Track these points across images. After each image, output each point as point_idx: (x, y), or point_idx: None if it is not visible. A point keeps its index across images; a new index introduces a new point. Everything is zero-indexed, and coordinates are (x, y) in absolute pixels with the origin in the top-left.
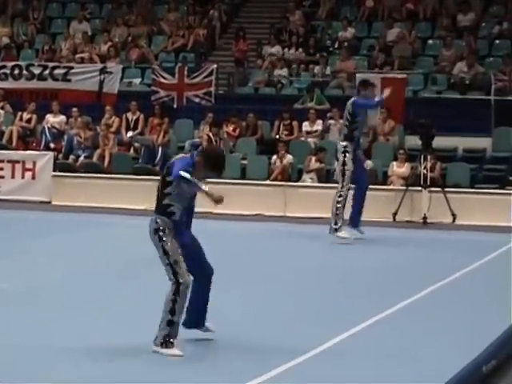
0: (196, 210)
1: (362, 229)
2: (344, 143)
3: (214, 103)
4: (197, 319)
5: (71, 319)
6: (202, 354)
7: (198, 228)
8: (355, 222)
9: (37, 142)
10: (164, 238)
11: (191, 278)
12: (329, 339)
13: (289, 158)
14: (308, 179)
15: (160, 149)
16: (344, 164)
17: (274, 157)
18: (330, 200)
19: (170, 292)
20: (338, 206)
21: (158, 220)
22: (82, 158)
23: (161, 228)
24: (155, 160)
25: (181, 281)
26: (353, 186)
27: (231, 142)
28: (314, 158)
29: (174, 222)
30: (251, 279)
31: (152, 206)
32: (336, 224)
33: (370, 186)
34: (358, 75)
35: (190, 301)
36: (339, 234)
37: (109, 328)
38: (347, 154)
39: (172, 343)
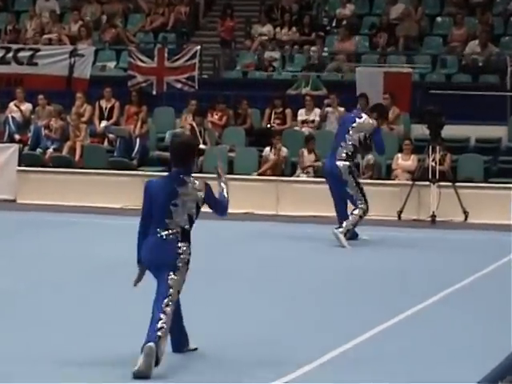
0: None
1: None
2: (347, 163)
3: (198, 89)
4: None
5: (38, 332)
6: (204, 364)
7: None
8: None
9: None
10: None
11: None
12: (329, 350)
13: (284, 150)
14: (302, 175)
15: (138, 140)
16: (358, 184)
17: (267, 149)
18: (327, 197)
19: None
20: (360, 220)
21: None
22: (50, 151)
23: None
24: (132, 153)
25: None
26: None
27: (217, 132)
28: (305, 151)
29: None
30: (241, 287)
31: (128, 203)
32: (348, 231)
33: (373, 181)
34: (358, 69)
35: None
36: (342, 238)
37: (81, 340)
38: (355, 174)
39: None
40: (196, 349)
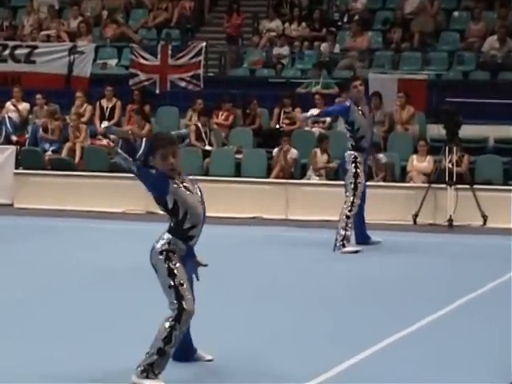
0: None
1: (373, 239)
2: (353, 153)
3: (203, 88)
4: (184, 350)
5: (35, 343)
6: (205, 375)
7: None
8: (365, 237)
9: None
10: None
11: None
12: (342, 361)
13: (293, 152)
14: (314, 176)
15: (144, 141)
16: (357, 176)
17: (275, 150)
18: (339, 200)
19: (168, 317)
20: (349, 221)
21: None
22: (49, 153)
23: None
24: (135, 155)
25: (185, 307)
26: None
27: (223, 133)
28: (318, 151)
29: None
30: (250, 295)
31: (130, 208)
32: (343, 240)
33: (387, 184)
34: (370, 75)
35: None
36: (346, 249)
37: (79, 352)
38: (359, 165)
39: (156, 375)
40: (211, 360)
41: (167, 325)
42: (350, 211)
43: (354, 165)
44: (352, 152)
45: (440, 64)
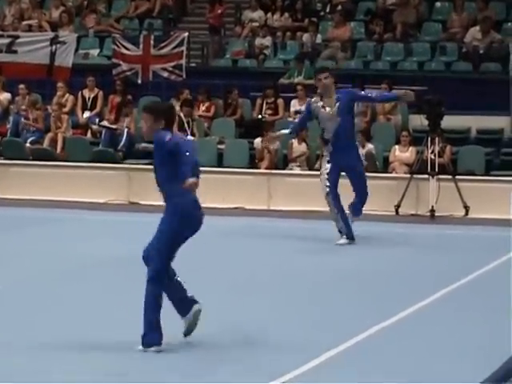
0: (164, 203)
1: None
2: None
3: (185, 78)
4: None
5: (17, 331)
6: (197, 363)
7: None
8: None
9: None
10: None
11: None
12: (323, 352)
13: (276, 143)
14: (295, 167)
15: (125, 132)
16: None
17: (257, 140)
18: (321, 190)
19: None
20: (329, 205)
21: None
22: (28, 144)
23: None
24: (118, 145)
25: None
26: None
27: (206, 124)
28: (295, 141)
29: None
30: (232, 287)
31: (113, 198)
32: (342, 230)
33: (369, 174)
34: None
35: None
36: (343, 240)
37: (63, 340)
38: (323, 157)
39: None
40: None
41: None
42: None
43: (321, 157)
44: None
45: (422, 55)
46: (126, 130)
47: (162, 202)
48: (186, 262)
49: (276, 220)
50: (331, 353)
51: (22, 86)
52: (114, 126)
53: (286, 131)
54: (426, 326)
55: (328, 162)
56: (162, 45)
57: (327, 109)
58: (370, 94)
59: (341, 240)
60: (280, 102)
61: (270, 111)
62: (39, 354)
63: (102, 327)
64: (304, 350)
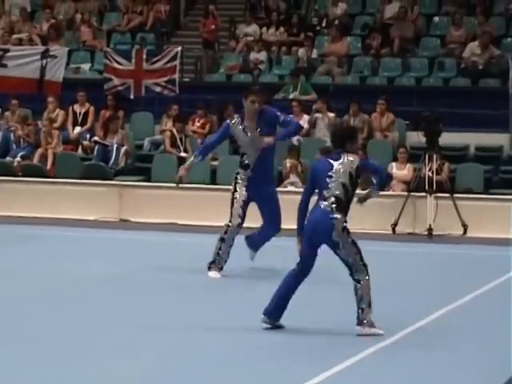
0: (158, 221)
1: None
2: (237, 170)
3: (179, 93)
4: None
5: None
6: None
7: (160, 241)
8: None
9: None
10: (349, 231)
11: None
12: (312, 377)
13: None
14: (289, 185)
15: (115, 148)
16: (233, 193)
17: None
18: None
19: (364, 278)
20: (221, 244)
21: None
22: (18, 159)
23: (345, 224)
24: (109, 161)
25: (367, 263)
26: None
27: (199, 140)
28: (288, 163)
29: None
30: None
31: (103, 215)
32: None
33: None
34: None
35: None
36: (210, 273)
37: (45, 362)
38: (238, 181)
39: (373, 324)
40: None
41: (367, 281)
42: (224, 233)
43: (234, 182)
44: (238, 169)
45: (420, 70)
46: (115, 146)
47: (153, 220)
48: (180, 278)
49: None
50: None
51: (14, 101)
52: (106, 143)
53: (197, 159)
54: (420, 349)
55: (238, 186)
56: (155, 59)
57: (252, 133)
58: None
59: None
60: None
61: None
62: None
63: (93, 348)
64: (300, 368)
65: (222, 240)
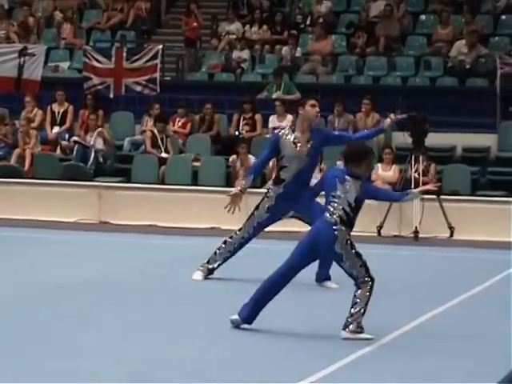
0: (138, 222)
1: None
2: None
3: (160, 92)
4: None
5: None
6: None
7: (141, 243)
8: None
9: None
10: (353, 243)
11: None
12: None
13: (252, 160)
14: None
15: (93, 149)
16: (256, 207)
17: (234, 158)
18: None
19: (366, 289)
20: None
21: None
22: None
23: (348, 237)
24: (87, 162)
25: (373, 277)
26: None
27: (180, 140)
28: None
29: None
30: (220, 306)
31: (83, 217)
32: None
33: None
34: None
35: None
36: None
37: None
38: (265, 199)
39: (363, 329)
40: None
41: (367, 294)
42: (230, 237)
43: (262, 197)
44: (269, 184)
45: (406, 69)
46: (94, 146)
47: (133, 222)
48: (162, 281)
49: (252, 240)
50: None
51: None
52: (86, 143)
53: (249, 180)
54: (402, 355)
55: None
56: (135, 57)
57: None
58: (346, 134)
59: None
60: (258, 117)
61: (247, 127)
62: None
63: (70, 355)
64: (288, 369)
65: (224, 242)
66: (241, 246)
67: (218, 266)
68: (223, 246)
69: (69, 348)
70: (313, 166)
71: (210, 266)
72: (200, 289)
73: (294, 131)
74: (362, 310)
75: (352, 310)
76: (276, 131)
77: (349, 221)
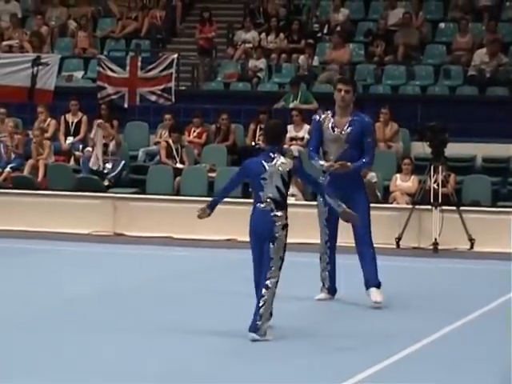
0: (153, 234)
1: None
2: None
3: (175, 102)
4: None
5: None
6: None
7: (157, 255)
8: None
9: None
10: (287, 234)
11: None
12: None
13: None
14: (291, 197)
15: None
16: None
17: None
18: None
19: (273, 285)
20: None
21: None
22: (8, 170)
23: (286, 221)
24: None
25: (280, 277)
26: None
27: (196, 150)
28: None
29: None
30: (230, 329)
31: (97, 229)
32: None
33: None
34: None
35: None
36: None
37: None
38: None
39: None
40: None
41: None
42: (320, 252)
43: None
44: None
45: (425, 78)
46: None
47: (148, 234)
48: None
49: None
50: None
51: (2, 110)
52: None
53: (321, 163)
54: (421, 369)
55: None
56: (150, 67)
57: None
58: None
59: (320, 294)
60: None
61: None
62: None
63: (89, 369)
64: None
65: (320, 259)
66: (332, 250)
67: (330, 281)
68: (319, 262)
69: (85, 358)
70: (356, 143)
71: (326, 286)
72: (215, 301)
73: (333, 115)
74: (270, 312)
75: (261, 311)
76: (314, 117)
77: (282, 204)
